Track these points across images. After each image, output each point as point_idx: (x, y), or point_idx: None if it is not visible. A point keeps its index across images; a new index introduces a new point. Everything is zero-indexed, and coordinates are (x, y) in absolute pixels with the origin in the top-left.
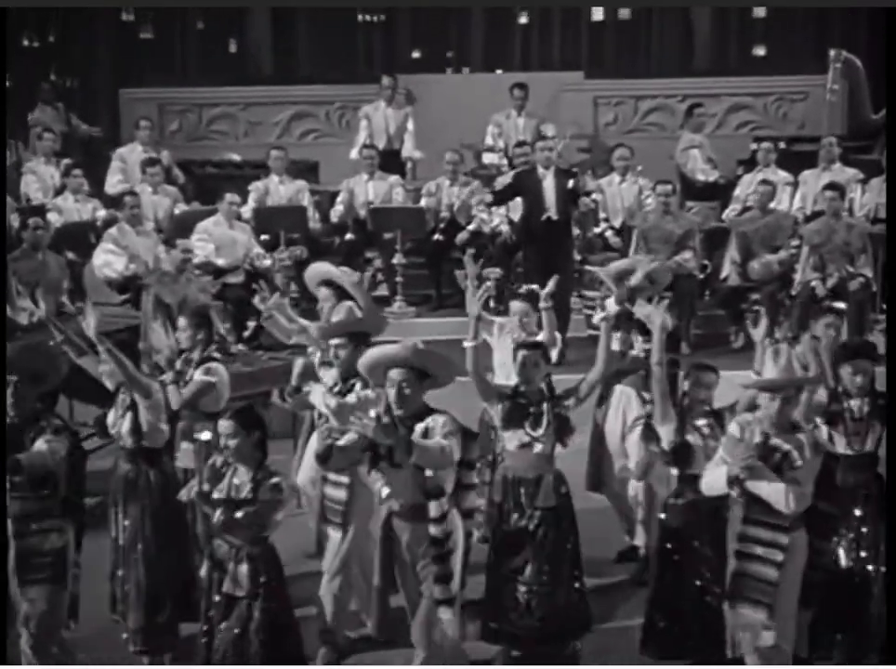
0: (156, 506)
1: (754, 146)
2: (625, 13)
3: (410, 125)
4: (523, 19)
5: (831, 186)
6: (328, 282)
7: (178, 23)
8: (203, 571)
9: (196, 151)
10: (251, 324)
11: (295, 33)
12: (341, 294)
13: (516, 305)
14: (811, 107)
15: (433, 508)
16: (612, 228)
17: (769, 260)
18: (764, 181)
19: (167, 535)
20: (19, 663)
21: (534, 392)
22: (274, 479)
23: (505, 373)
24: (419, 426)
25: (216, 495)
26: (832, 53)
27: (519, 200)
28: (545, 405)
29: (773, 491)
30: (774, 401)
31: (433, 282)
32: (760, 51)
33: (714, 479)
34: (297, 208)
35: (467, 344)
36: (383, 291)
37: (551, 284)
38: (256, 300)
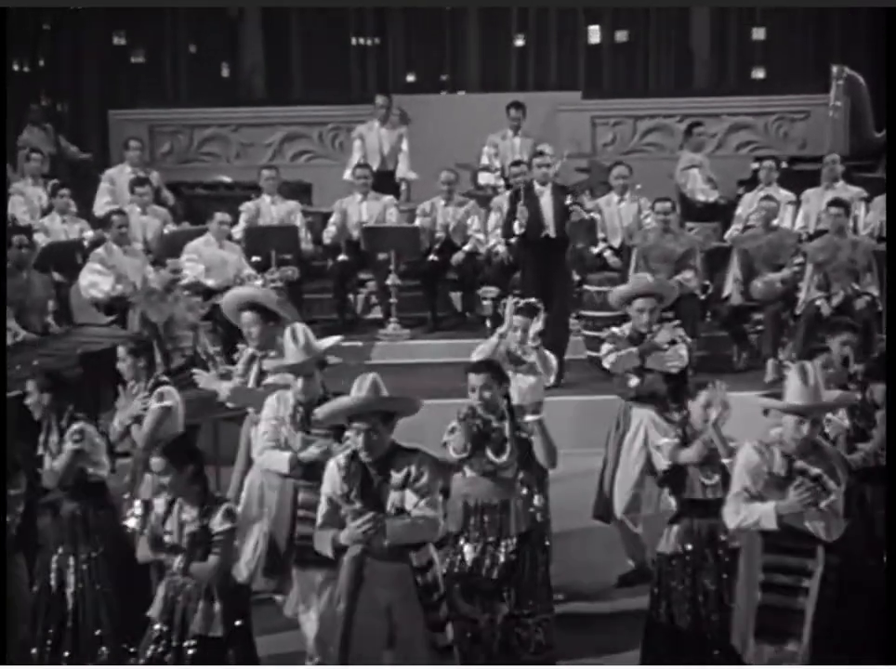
0: (109, 541)
1: (755, 165)
2: (622, 35)
3: (404, 146)
4: (520, 42)
5: (836, 202)
6: (251, 305)
7: (170, 47)
8: (154, 612)
9: (187, 174)
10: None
11: (288, 58)
12: (266, 315)
13: (516, 319)
14: (813, 126)
15: (416, 558)
16: (610, 247)
17: (771, 278)
18: (767, 197)
19: (127, 569)
20: (19, 663)
21: (493, 415)
22: (224, 506)
23: None
24: (397, 476)
25: (167, 539)
26: (834, 70)
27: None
28: (506, 429)
29: (811, 522)
30: (803, 425)
31: (428, 303)
32: (760, 74)
33: (755, 517)
34: (289, 228)
35: (452, 454)
36: (377, 313)
37: (539, 324)
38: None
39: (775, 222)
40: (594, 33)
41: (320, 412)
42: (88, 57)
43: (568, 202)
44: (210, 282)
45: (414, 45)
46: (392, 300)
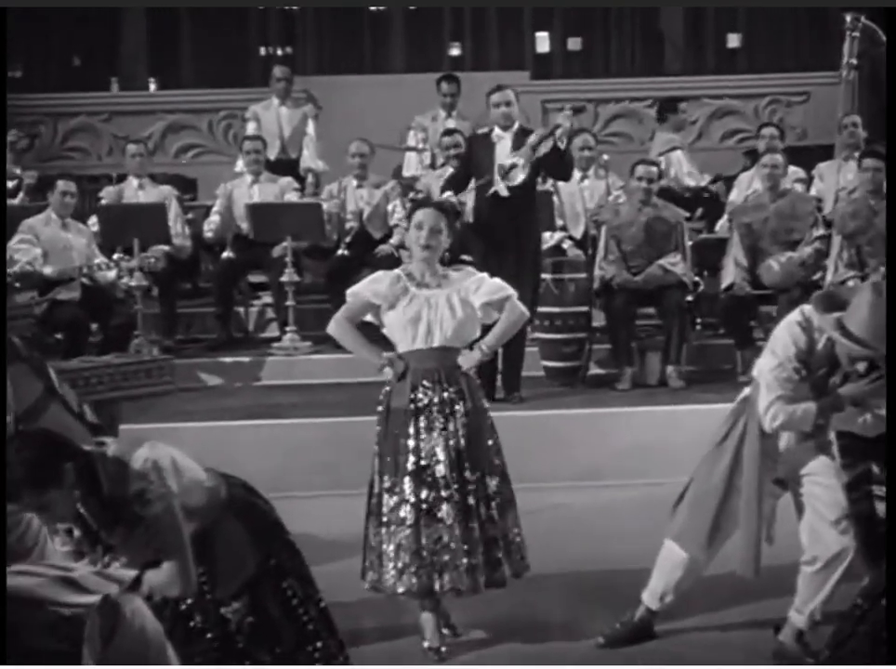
0: None
1: (758, 142)
2: (575, 43)
3: (310, 129)
4: (455, 51)
5: (871, 153)
6: None
7: (53, 60)
8: None
9: (50, 172)
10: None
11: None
12: None
13: (423, 213)
14: (815, 110)
15: None
16: (570, 237)
17: (789, 258)
18: (770, 150)
19: None
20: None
21: None
22: None
23: (409, 337)
24: None
25: None
26: (848, 19)
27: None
28: None
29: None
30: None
31: (336, 311)
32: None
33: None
34: (156, 207)
35: None
36: (274, 331)
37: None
38: None
39: (785, 185)
40: (542, 40)
41: None
42: None
43: (534, 139)
44: (48, 271)
45: (329, 53)
46: (290, 303)
